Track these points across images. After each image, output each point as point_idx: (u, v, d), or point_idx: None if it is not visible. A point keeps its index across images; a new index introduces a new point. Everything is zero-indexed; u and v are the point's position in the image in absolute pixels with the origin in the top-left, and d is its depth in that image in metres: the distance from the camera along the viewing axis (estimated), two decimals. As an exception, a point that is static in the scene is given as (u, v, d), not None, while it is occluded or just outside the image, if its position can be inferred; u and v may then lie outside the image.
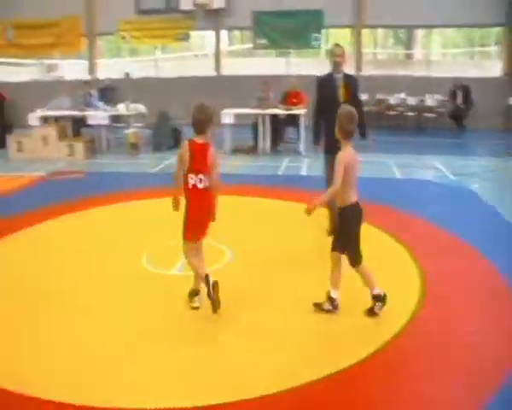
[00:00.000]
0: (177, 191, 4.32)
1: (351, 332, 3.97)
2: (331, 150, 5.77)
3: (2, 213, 7.13)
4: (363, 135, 6.00)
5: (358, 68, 16.33)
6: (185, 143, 4.23)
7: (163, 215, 5.83)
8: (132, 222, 6.68)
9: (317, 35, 16.41)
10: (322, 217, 6.06)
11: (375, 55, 23.94)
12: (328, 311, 4.20)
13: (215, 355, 3.70)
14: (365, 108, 13.70)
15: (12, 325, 4.14)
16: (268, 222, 6.72)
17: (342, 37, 20.10)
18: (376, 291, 4.15)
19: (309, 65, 19.01)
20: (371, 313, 4.15)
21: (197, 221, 4.24)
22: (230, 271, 5.11)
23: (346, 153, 4.06)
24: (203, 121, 4.14)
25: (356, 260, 4.15)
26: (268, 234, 6.22)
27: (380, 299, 4.14)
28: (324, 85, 6.06)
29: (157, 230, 6.19)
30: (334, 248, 4.21)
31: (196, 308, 4.33)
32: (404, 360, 3.65)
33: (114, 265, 5.31)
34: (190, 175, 4.17)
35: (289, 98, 11.68)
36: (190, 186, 4.18)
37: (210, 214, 4.29)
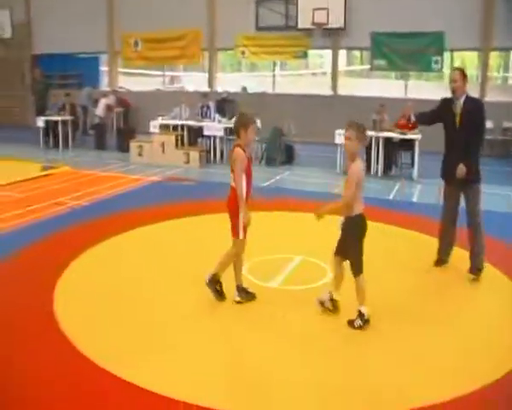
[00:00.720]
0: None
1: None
2: (448, 179, 5.67)
3: (118, 210, 7.70)
4: (468, 171, 5.47)
5: (483, 94, 15.68)
6: None
7: (268, 228, 6.02)
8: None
9: (437, 58, 15.98)
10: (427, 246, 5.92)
11: (505, 80, 22.67)
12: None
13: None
14: (489, 137, 13.42)
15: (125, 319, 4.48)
16: (375, 244, 6.65)
17: (469, 60, 19.31)
18: (363, 309, 4.36)
19: (429, 89, 18.55)
20: (351, 324, 4.37)
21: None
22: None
23: (358, 167, 4.34)
24: (236, 127, 4.64)
25: (359, 268, 4.38)
26: (374, 256, 6.16)
27: (362, 318, 4.34)
28: (443, 109, 5.93)
29: (261, 242, 6.34)
30: (337, 253, 4.53)
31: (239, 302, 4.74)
32: None
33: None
34: None
35: (405, 122, 11.48)
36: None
37: (228, 210, 4.66)
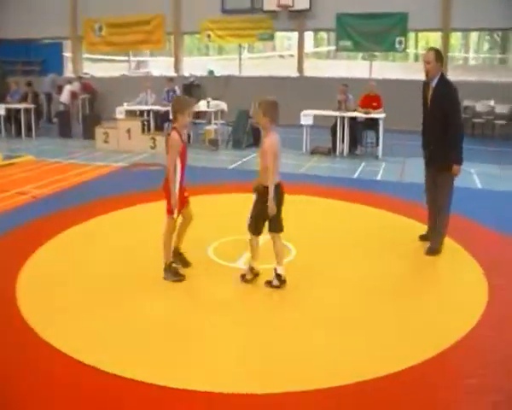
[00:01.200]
0: None
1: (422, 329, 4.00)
2: (429, 163, 5.69)
3: (83, 200, 7.67)
4: (455, 161, 5.50)
5: (444, 73, 15.94)
6: None
7: (234, 209, 6.08)
8: (203, 215, 6.93)
9: (401, 38, 16.18)
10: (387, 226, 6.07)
11: (466, 61, 23.17)
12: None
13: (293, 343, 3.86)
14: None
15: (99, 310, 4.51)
16: (335, 222, 6.78)
17: (433, 40, 19.59)
18: (279, 270, 4.70)
19: (394, 69, 18.77)
20: (268, 284, 4.72)
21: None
22: (292, 266, 5.27)
23: (271, 140, 4.62)
24: (172, 111, 4.83)
25: (279, 226, 4.77)
26: (334, 233, 6.28)
27: (279, 278, 4.68)
28: (422, 93, 5.95)
29: (221, 224, 6.40)
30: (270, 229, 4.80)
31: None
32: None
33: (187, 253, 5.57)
34: None
35: (368, 102, 11.63)
36: None
37: (164, 191, 4.86)
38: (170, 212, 4.87)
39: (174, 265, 5.01)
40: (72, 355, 3.64)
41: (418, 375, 3.52)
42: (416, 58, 19.62)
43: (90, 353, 3.67)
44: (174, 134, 4.76)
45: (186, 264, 5.18)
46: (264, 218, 4.74)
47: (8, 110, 14.68)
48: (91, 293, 4.70)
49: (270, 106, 4.63)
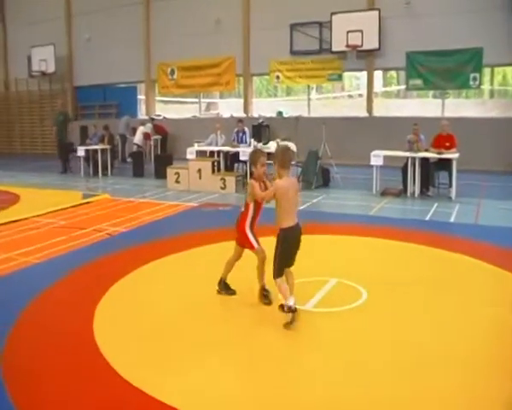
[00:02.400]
0: None
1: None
2: None
3: (155, 237, 7.93)
4: None
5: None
6: None
7: (304, 251, 6.08)
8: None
9: (475, 74, 15.87)
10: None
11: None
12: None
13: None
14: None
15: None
16: (409, 267, 6.64)
17: (511, 75, 18.97)
18: (287, 302, 4.80)
19: (468, 106, 18.38)
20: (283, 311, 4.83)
21: None
22: (364, 310, 5.22)
23: (281, 183, 4.87)
24: (249, 164, 5.29)
25: (277, 273, 4.88)
26: (405, 278, 6.15)
27: (289, 309, 4.77)
28: None
29: (297, 264, 6.39)
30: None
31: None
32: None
33: (249, 294, 5.61)
34: None
35: (441, 141, 11.42)
36: None
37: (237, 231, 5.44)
38: (252, 247, 5.30)
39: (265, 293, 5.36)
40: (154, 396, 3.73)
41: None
42: (492, 95, 19.10)
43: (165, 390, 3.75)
44: (252, 181, 5.22)
45: (268, 301, 5.34)
46: (286, 257, 4.92)
47: (87, 151, 15.52)
48: (160, 329, 4.81)
49: (278, 153, 5.00)
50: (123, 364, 4.13)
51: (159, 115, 21.16)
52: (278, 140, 13.52)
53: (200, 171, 12.90)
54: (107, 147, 15.56)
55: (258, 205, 5.33)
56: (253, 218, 5.37)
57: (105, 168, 15.48)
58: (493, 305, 5.36)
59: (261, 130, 17.92)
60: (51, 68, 22.32)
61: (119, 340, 4.64)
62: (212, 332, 4.77)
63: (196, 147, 14.19)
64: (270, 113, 19.54)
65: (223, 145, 14.08)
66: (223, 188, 12.58)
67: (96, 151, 15.45)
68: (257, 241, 5.33)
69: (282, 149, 5.10)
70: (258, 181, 5.21)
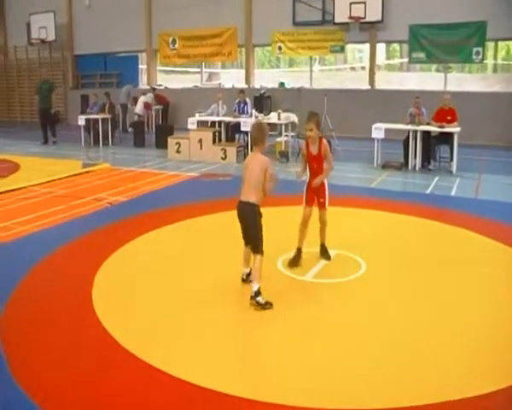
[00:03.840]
0: None
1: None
2: None
3: (155, 207, 7.91)
4: None
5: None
6: None
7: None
8: (273, 226, 6.93)
9: (478, 49, 15.61)
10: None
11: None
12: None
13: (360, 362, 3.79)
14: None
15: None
16: (409, 239, 6.60)
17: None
18: (255, 287, 4.60)
19: (471, 81, 18.18)
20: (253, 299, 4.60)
21: None
22: (364, 282, 5.21)
23: (249, 156, 5.11)
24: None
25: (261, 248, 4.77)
26: (405, 250, 6.11)
27: (257, 295, 4.57)
28: None
29: (293, 235, 6.38)
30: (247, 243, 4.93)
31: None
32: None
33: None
34: None
35: (443, 115, 11.30)
36: None
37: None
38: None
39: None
40: (149, 362, 3.72)
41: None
42: (495, 69, 18.86)
43: (164, 359, 3.73)
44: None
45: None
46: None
47: (88, 120, 15.36)
48: (161, 300, 4.79)
49: (251, 129, 5.22)
50: (121, 331, 4.12)
51: (160, 85, 20.94)
52: (280, 111, 13.36)
53: (201, 141, 12.80)
54: (108, 116, 15.39)
55: (309, 167, 5.58)
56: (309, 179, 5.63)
57: (106, 138, 15.33)
58: (492, 279, 5.34)
59: (263, 101, 17.71)
60: (51, 36, 21.98)
61: (117, 307, 4.62)
62: (212, 301, 4.75)
63: (197, 117, 14.05)
64: (271, 84, 19.31)
65: (224, 116, 13.93)
66: (223, 158, 12.50)
67: (96, 120, 15.28)
68: (305, 200, 5.61)
69: (253, 126, 5.12)
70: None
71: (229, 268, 5.48)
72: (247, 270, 5.07)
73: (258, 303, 4.58)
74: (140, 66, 22.24)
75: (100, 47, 21.52)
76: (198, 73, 21.50)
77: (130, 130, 17.19)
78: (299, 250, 5.59)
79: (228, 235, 6.67)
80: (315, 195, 5.57)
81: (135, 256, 5.93)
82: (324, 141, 5.52)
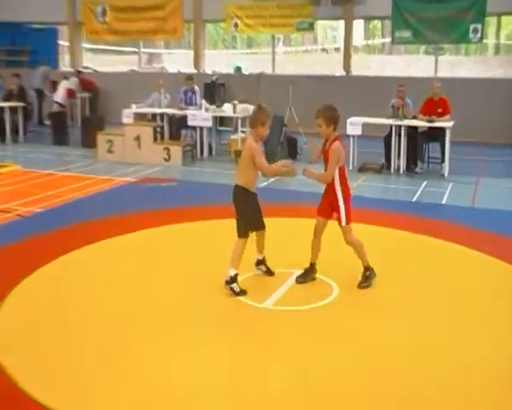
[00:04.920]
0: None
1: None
2: None
3: (79, 220, 7.80)
4: None
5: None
6: None
7: (270, 236, 6.06)
8: (224, 242, 6.92)
9: (476, 25, 15.92)
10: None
11: None
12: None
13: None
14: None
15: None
16: (390, 257, 6.68)
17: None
18: (231, 271, 5.44)
19: (469, 65, 18.64)
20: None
21: None
22: (334, 309, 5.26)
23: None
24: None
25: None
26: (385, 270, 6.18)
27: (232, 281, 5.42)
28: None
29: (250, 254, 6.39)
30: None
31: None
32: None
33: (195, 288, 5.63)
34: None
35: (432, 107, 11.52)
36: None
37: None
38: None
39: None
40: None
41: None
42: (497, 50, 19.25)
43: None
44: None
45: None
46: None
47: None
48: (81, 336, 4.72)
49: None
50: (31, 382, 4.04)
51: (87, 67, 20.73)
52: (235, 102, 13.41)
53: (138, 138, 12.70)
54: (18, 105, 15.08)
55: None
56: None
57: (15, 132, 15.03)
58: (490, 303, 5.45)
59: (215, 89, 17.77)
60: None
61: (26, 348, 4.52)
62: (144, 332, 4.71)
63: (135, 108, 13.96)
64: (226, 68, 19.40)
65: (167, 107, 13.91)
66: (167, 159, 12.45)
67: (1, 109, 14.93)
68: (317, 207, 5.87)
69: (255, 107, 5.74)
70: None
71: (169, 294, 5.48)
72: (259, 256, 5.91)
73: (232, 290, 5.39)
74: (60, 42, 21.87)
75: (5, 14, 20.88)
76: (135, 53, 21.41)
77: (47, 123, 16.95)
78: (311, 266, 5.86)
79: (172, 254, 6.69)
80: (330, 206, 5.72)
81: (51, 284, 5.81)
82: (336, 143, 5.55)
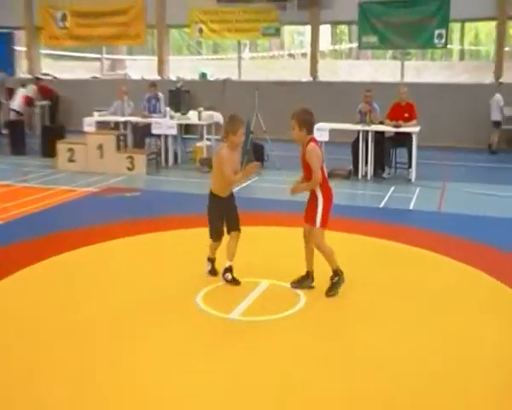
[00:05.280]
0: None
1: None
2: None
3: (37, 233, 7.72)
4: None
5: (499, 73, 16.08)
6: None
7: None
8: (191, 253, 6.92)
9: (441, 31, 16.28)
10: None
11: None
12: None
13: None
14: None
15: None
16: (355, 263, 6.76)
17: (485, 32, 19.46)
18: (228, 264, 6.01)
19: (435, 70, 18.95)
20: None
21: None
22: (299, 319, 5.33)
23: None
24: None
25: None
26: (352, 277, 6.27)
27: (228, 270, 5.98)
28: None
29: (218, 264, 6.43)
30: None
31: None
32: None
33: (162, 302, 5.64)
34: None
35: (399, 112, 11.72)
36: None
37: None
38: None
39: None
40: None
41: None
42: (462, 56, 19.69)
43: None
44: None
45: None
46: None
47: None
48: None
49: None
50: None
51: (46, 74, 20.56)
52: (201, 109, 13.45)
53: (101, 147, 12.65)
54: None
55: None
56: None
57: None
58: (454, 310, 5.58)
59: (180, 96, 17.80)
60: None
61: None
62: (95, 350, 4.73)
63: (97, 116, 13.93)
64: (191, 75, 19.43)
65: (131, 115, 13.87)
66: (130, 169, 12.42)
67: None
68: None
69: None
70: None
71: (129, 307, 5.49)
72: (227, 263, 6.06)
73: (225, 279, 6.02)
74: (16, 47, 21.60)
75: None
76: (97, 60, 21.32)
77: (4, 132, 16.77)
78: (306, 274, 5.99)
79: (134, 266, 6.69)
80: (314, 212, 5.76)
81: (10, 298, 5.77)
82: (311, 144, 5.66)
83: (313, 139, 5.72)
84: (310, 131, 5.68)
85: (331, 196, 5.79)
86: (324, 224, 5.68)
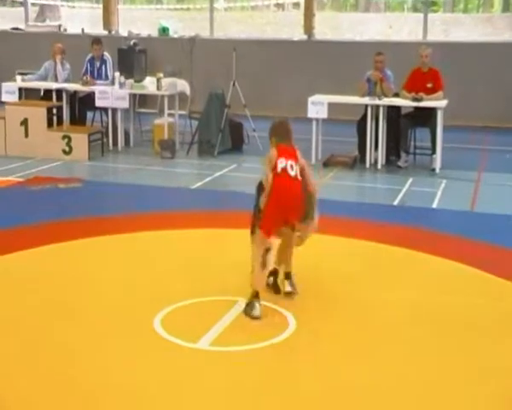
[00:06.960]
0: None
1: None
2: None
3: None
4: None
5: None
6: None
7: (195, 255, 6.12)
8: (146, 262, 6.94)
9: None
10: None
11: None
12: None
13: None
14: None
15: None
16: (360, 276, 6.78)
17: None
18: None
19: (468, 25, 18.98)
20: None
21: None
22: (288, 350, 5.33)
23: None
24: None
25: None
26: (358, 296, 6.30)
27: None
28: None
29: (182, 277, 6.43)
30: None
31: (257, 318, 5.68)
32: None
33: (111, 327, 5.62)
34: None
35: (420, 81, 11.71)
36: None
37: None
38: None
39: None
40: None
41: None
42: (507, 6, 19.66)
43: None
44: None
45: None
46: None
47: None
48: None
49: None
50: None
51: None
52: (161, 75, 13.36)
53: (26, 123, 12.57)
54: None
55: None
56: None
57: None
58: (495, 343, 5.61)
59: (133, 58, 17.68)
60: None
61: None
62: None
63: (20, 81, 13.81)
64: (148, 30, 19.38)
65: (67, 81, 13.79)
66: (67, 152, 12.34)
67: None
68: None
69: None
70: None
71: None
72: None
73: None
74: None
75: None
76: (21, 4, 21.17)
77: None
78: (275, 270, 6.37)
79: (71, 286, 6.67)
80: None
81: None
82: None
83: (277, 146, 6.19)
84: (280, 139, 6.23)
85: (279, 198, 6.04)
86: (265, 227, 5.99)
